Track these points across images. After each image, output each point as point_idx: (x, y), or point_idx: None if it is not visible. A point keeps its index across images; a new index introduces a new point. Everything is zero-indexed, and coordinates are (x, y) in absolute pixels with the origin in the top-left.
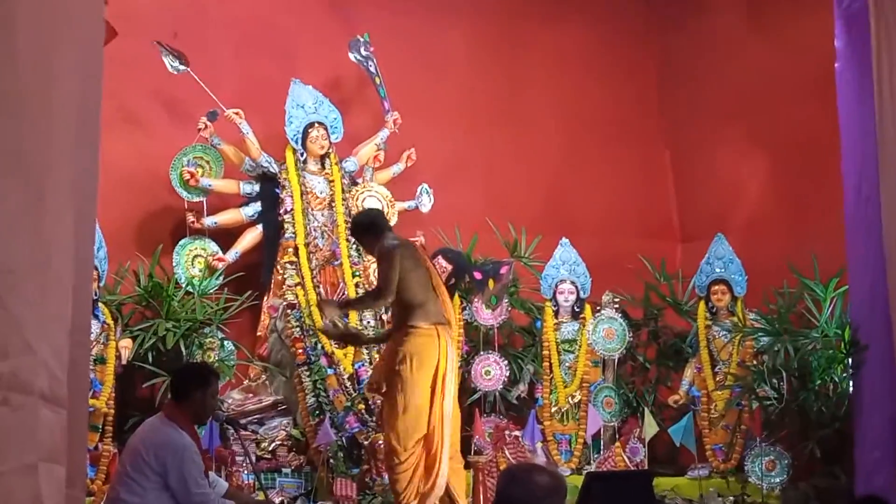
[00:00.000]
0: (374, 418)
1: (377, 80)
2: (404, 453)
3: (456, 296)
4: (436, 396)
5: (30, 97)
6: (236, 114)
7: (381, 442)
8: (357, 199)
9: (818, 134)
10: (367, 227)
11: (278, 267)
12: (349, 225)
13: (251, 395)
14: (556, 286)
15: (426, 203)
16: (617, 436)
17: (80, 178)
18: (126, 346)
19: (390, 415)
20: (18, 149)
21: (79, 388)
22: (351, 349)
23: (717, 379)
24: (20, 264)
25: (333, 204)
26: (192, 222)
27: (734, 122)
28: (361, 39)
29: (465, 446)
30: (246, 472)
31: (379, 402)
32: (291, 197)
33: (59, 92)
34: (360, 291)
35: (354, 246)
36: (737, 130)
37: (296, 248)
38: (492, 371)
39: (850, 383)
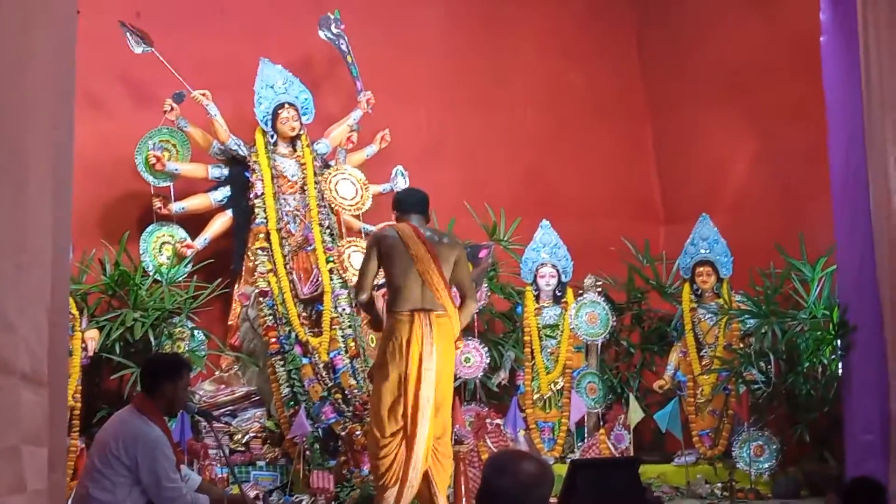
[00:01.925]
0: (351, 408)
1: (349, 59)
2: (383, 439)
3: None
4: (409, 384)
5: (5, 75)
6: (203, 95)
7: (358, 433)
8: (330, 182)
9: (805, 110)
10: (393, 202)
11: (249, 253)
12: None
13: (223, 386)
14: (537, 270)
15: (402, 185)
16: (601, 423)
17: (56, 157)
18: (92, 336)
19: (371, 395)
20: None
21: (58, 369)
22: (326, 338)
23: (703, 363)
24: None
25: (305, 187)
26: (159, 208)
27: (718, 100)
28: (332, 16)
29: None
30: (219, 465)
31: (356, 392)
32: (262, 181)
33: (35, 70)
34: (334, 277)
35: (328, 231)
36: (721, 108)
37: (267, 234)
38: (472, 358)
39: (840, 365)
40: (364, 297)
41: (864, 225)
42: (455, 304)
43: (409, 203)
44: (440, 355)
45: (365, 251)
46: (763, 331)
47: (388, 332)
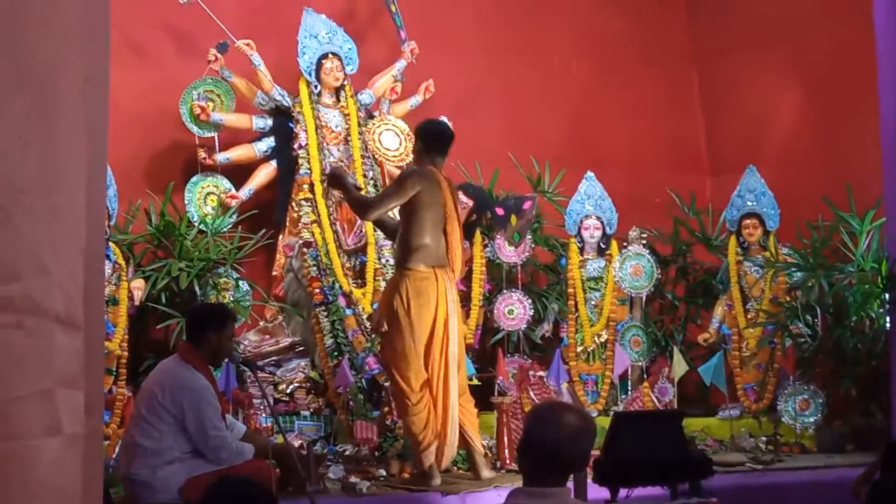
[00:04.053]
0: None
1: (393, 8)
2: (413, 395)
3: (477, 233)
4: (435, 340)
5: (35, 17)
6: (247, 45)
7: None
8: (374, 132)
9: (855, 59)
10: (419, 136)
11: (293, 204)
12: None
13: (268, 336)
14: (581, 222)
15: None
16: (645, 376)
17: (90, 92)
18: (138, 286)
19: (392, 356)
20: (20, 59)
21: (94, 313)
22: (370, 288)
23: (749, 316)
24: (31, 182)
25: (349, 138)
26: (204, 158)
27: (766, 48)
28: None
29: (489, 387)
30: (264, 414)
31: None
32: (306, 131)
33: (66, 12)
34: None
35: (371, 182)
36: (769, 57)
37: (311, 185)
38: (515, 310)
39: (888, 319)
40: (372, 217)
41: None
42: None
43: (443, 143)
44: (458, 311)
45: (402, 183)
46: (810, 284)
47: (412, 290)
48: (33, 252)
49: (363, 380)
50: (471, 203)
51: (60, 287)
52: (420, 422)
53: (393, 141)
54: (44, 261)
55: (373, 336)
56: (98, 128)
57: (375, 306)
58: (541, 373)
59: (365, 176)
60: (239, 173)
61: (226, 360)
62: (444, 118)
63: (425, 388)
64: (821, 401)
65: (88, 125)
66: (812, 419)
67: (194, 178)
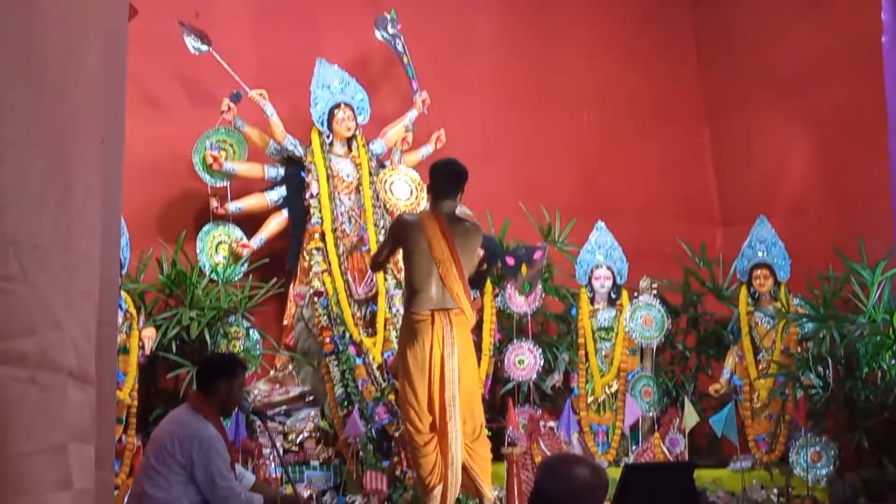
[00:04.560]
0: None
1: (405, 59)
2: (421, 436)
3: (488, 282)
4: (433, 384)
5: (52, 72)
6: (260, 95)
7: None
8: (385, 182)
9: (865, 111)
10: (430, 176)
11: (304, 253)
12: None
13: (278, 385)
14: (592, 271)
15: None
16: (656, 427)
17: (106, 153)
18: (149, 335)
19: (400, 399)
20: (41, 121)
21: (106, 367)
22: (380, 338)
23: (760, 367)
24: (45, 238)
25: (361, 188)
26: (216, 208)
27: (777, 100)
28: (388, 16)
29: (499, 437)
30: (273, 464)
31: None
32: (317, 181)
33: (84, 72)
34: (388, 278)
35: (382, 231)
36: (780, 109)
37: (322, 234)
38: (525, 360)
39: None
40: (374, 269)
41: None
42: (470, 299)
43: (443, 182)
44: (461, 353)
45: (389, 231)
46: (821, 335)
47: (410, 333)
48: (48, 307)
49: (373, 430)
50: (482, 253)
51: (73, 342)
52: (427, 465)
53: (404, 190)
54: (58, 316)
55: (383, 386)
56: (113, 185)
57: (386, 356)
58: (551, 423)
59: (376, 225)
60: (250, 222)
61: (236, 410)
62: None
63: (434, 431)
64: (833, 452)
65: (104, 184)
66: (824, 471)
67: (206, 227)
